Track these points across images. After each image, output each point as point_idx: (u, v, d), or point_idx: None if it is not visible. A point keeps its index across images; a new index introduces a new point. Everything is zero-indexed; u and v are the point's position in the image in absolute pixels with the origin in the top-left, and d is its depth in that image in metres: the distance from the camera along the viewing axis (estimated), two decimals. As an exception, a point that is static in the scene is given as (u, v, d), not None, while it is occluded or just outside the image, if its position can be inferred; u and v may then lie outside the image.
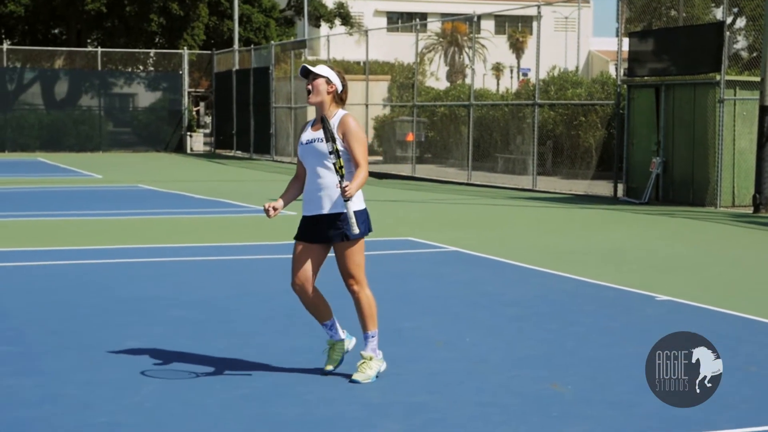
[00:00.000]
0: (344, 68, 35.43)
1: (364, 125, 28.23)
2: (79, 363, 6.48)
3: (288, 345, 6.99)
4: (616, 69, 21.48)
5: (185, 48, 41.77)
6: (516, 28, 68.06)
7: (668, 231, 14.77)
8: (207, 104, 55.04)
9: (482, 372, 6.35)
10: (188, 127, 40.64)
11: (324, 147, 5.95)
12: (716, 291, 9.60)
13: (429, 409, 5.53)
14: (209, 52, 42.59)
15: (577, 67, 33.98)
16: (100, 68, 39.71)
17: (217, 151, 40.09)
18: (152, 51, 43.19)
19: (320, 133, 6.00)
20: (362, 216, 6.04)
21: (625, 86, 20.51)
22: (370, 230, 6.12)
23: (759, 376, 6.35)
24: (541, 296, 9.05)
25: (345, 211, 5.92)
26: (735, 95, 18.47)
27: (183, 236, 13.32)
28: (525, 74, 59.02)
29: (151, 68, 43.10)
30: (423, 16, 64.40)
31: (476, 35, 30.17)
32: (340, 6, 50.09)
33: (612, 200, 19.90)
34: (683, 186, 18.88)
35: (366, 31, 34.10)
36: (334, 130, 6.00)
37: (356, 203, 5.99)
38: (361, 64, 36.73)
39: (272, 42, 39.27)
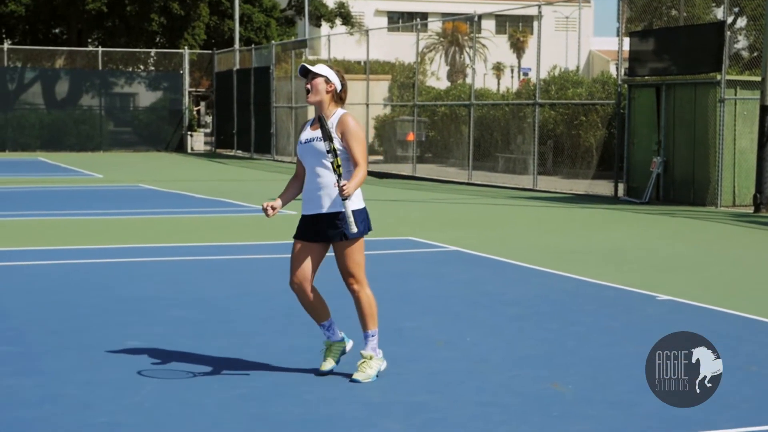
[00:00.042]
0: (345, 68, 35.42)
1: (364, 125, 28.22)
2: (79, 363, 6.48)
3: (287, 344, 6.98)
4: (617, 68, 21.46)
5: (186, 47, 41.76)
6: (517, 28, 68.06)
7: (669, 231, 14.77)
8: (208, 104, 55.04)
9: (483, 371, 6.34)
10: (189, 126, 40.63)
11: (322, 146, 5.94)
12: (717, 291, 9.60)
13: (429, 409, 5.53)
14: (210, 51, 42.58)
15: (577, 67, 33.90)
16: (100, 68, 39.71)
17: (218, 150, 40.08)
18: (153, 51, 43.18)
19: (319, 133, 5.98)
20: (361, 215, 6.03)
21: (626, 86, 20.50)
22: (369, 229, 6.10)
23: (759, 375, 6.34)
24: (542, 296, 9.05)
25: (343, 210, 5.91)
26: (736, 95, 18.46)
27: (183, 236, 13.32)
28: (526, 74, 59.00)
29: (152, 68, 43.10)
30: (424, 16, 64.43)
31: (477, 35, 30.19)
32: (341, 6, 50.08)
33: (613, 200, 19.89)
34: (684, 186, 18.87)
35: (367, 31, 34.12)
36: (333, 129, 5.99)
37: (355, 202, 5.97)
38: (362, 63, 36.74)
39: (273, 42, 39.28)
